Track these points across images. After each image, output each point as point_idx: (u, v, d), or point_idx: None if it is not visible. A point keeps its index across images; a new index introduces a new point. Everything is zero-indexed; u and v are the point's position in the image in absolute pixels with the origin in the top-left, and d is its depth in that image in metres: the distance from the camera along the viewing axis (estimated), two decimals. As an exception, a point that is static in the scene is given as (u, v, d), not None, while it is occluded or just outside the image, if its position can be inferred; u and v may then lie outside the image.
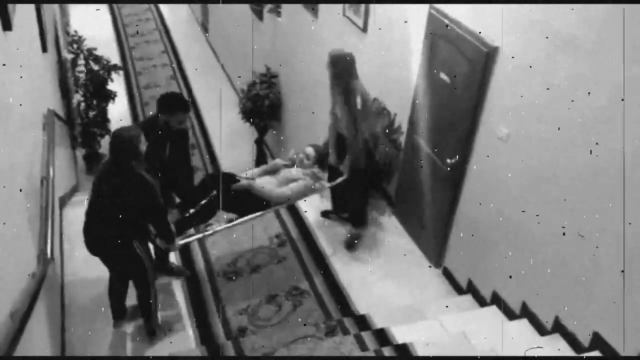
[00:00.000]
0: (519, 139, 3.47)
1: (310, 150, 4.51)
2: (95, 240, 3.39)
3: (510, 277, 3.71)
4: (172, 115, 3.75)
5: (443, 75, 4.05)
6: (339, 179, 4.42)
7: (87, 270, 4.06)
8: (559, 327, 3.35)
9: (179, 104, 3.81)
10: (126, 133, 3.21)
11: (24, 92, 3.62)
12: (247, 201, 4.09)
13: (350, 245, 4.70)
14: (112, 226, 3.29)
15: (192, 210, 3.99)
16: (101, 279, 3.78)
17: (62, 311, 3.86)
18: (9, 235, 2.67)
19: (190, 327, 3.92)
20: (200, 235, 4.03)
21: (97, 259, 3.51)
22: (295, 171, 4.39)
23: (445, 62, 4.03)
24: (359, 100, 4.09)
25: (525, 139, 3.43)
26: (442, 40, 4.02)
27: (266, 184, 4.22)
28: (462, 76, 3.85)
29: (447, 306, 4.05)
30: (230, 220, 4.12)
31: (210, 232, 4.05)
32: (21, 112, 3.38)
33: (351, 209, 4.76)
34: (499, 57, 3.51)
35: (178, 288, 4.22)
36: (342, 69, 4.09)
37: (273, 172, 4.48)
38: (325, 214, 5.02)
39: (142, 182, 3.21)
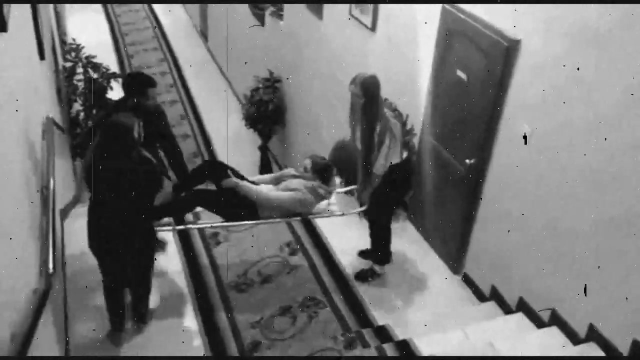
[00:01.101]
0: (543, 137, 3.30)
1: (307, 162, 4.15)
2: (110, 230, 3.27)
3: (537, 283, 3.53)
4: (143, 95, 3.89)
5: (459, 72, 3.88)
6: (357, 209, 4.11)
7: (90, 282, 3.86)
8: (594, 335, 3.16)
9: (146, 81, 3.97)
10: (127, 120, 3.19)
11: (21, 98, 3.44)
12: (232, 204, 3.85)
13: (363, 278, 4.27)
14: (128, 209, 3.24)
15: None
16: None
17: (65, 324, 3.65)
18: (9, 249, 2.49)
19: (201, 340, 3.72)
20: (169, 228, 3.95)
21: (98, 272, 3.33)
22: (296, 183, 4.02)
23: (461, 59, 3.86)
24: (379, 128, 3.60)
25: (550, 136, 3.26)
26: (457, 35, 3.85)
27: (263, 189, 3.97)
28: (480, 72, 3.68)
29: (469, 314, 3.88)
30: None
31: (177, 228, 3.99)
32: (19, 117, 3.19)
33: (372, 243, 4.25)
34: (521, 51, 3.34)
35: (188, 299, 4.02)
36: (375, 96, 3.57)
37: (278, 181, 4.20)
38: (362, 253, 4.48)
39: (142, 160, 3.28)
